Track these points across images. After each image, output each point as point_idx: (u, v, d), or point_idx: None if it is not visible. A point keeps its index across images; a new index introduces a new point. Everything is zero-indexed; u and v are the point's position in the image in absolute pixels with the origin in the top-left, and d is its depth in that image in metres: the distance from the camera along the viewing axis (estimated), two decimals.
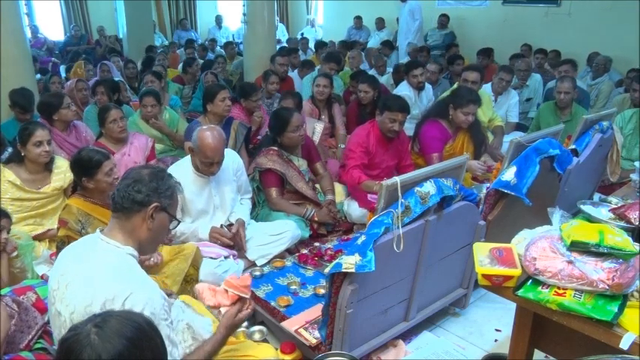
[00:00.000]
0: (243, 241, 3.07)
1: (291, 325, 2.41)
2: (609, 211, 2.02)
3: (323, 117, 4.76)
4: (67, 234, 2.52)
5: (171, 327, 1.60)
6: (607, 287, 1.52)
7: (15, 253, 2.49)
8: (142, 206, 1.63)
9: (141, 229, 1.65)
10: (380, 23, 10.15)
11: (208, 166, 2.95)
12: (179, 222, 1.81)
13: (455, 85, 4.79)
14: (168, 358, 1.52)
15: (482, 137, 4.01)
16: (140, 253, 1.67)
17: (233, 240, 3.06)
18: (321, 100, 4.77)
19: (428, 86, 5.46)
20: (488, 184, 3.28)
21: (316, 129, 4.45)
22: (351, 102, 5.03)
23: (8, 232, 2.49)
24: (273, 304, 2.57)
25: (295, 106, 4.45)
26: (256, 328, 2.60)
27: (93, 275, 1.53)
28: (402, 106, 3.54)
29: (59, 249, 2.51)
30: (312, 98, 4.82)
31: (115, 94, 4.84)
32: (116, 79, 5.82)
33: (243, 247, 3.07)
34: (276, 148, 3.54)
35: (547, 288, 1.61)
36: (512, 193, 2.56)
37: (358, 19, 10.44)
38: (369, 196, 3.51)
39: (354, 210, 3.59)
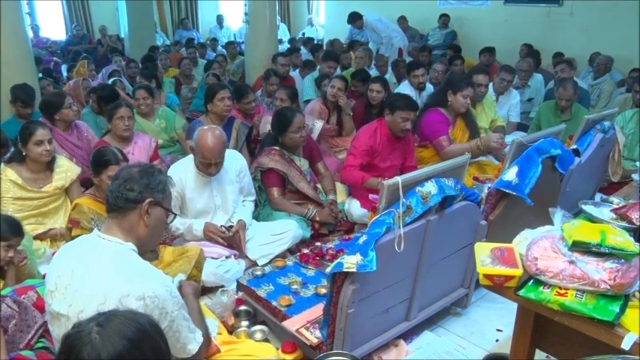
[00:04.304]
0: (243, 243, 3.08)
1: (292, 324, 2.41)
2: (611, 211, 2.02)
3: (332, 118, 4.71)
4: (81, 233, 2.52)
5: (184, 309, 1.64)
6: (608, 287, 1.52)
7: (24, 262, 2.47)
8: (136, 203, 1.65)
9: (138, 226, 1.66)
10: None
11: (206, 166, 2.95)
12: (175, 215, 1.82)
13: None
14: (191, 342, 1.62)
15: (475, 124, 4.13)
16: (140, 249, 1.68)
17: (231, 240, 3.07)
18: (333, 102, 4.64)
19: (429, 86, 5.45)
20: (489, 184, 3.28)
21: (315, 126, 4.42)
22: (357, 102, 4.94)
23: (15, 248, 2.42)
24: (274, 303, 2.57)
25: (289, 98, 4.45)
26: (257, 327, 2.61)
27: (102, 273, 1.53)
28: (413, 105, 3.56)
29: None
30: (324, 98, 4.72)
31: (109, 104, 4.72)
32: (114, 78, 5.83)
33: (243, 248, 3.08)
34: (277, 148, 3.54)
35: (548, 288, 1.61)
36: (514, 193, 2.55)
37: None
38: (370, 195, 3.51)
39: (355, 209, 3.59)
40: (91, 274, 1.53)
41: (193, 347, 1.64)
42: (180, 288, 1.86)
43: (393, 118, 3.53)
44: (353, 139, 3.76)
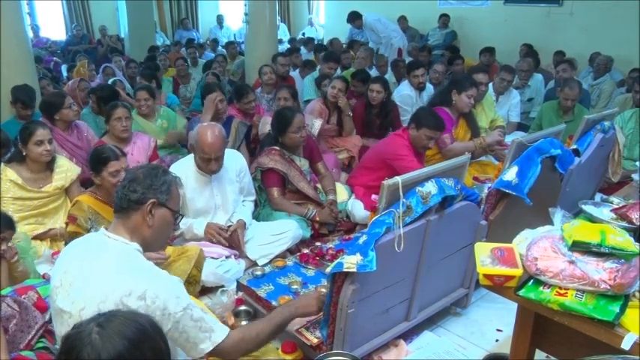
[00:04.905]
0: (241, 243, 3.08)
1: (292, 324, 2.40)
2: (611, 211, 2.02)
3: (333, 118, 4.71)
4: (76, 230, 2.53)
5: (198, 308, 1.62)
6: (608, 287, 1.52)
7: (15, 259, 2.48)
8: (139, 204, 1.65)
9: (142, 226, 1.67)
10: None
11: (206, 162, 2.96)
12: (182, 216, 1.82)
13: None
14: (203, 341, 1.59)
15: (477, 124, 4.18)
16: (146, 250, 1.68)
17: (230, 240, 3.07)
18: (333, 102, 4.63)
19: (429, 86, 5.45)
20: (489, 184, 3.28)
21: (314, 125, 4.42)
22: (358, 102, 4.93)
23: (8, 242, 2.44)
24: (274, 303, 2.57)
25: (290, 97, 4.45)
26: None
27: (106, 271, 1.53)
28: (441, 126, 3.52)
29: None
30: (325, 98, 4.71)
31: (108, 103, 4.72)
32: (113, 78, 5.83)
33: (241, 248, 3.08)
34: (277, 148, 3.54)
35: (548, 288, 1.61)
36: (514, 193, 2.55)
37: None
38: (372, 196, 3.51)
39: (358, 211, 3.58)
40: (95, 272, 1.54)
41: (206, 346, 1.60)
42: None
43: (418, 134, 3.48)
44: (392, 147, 3.56)
